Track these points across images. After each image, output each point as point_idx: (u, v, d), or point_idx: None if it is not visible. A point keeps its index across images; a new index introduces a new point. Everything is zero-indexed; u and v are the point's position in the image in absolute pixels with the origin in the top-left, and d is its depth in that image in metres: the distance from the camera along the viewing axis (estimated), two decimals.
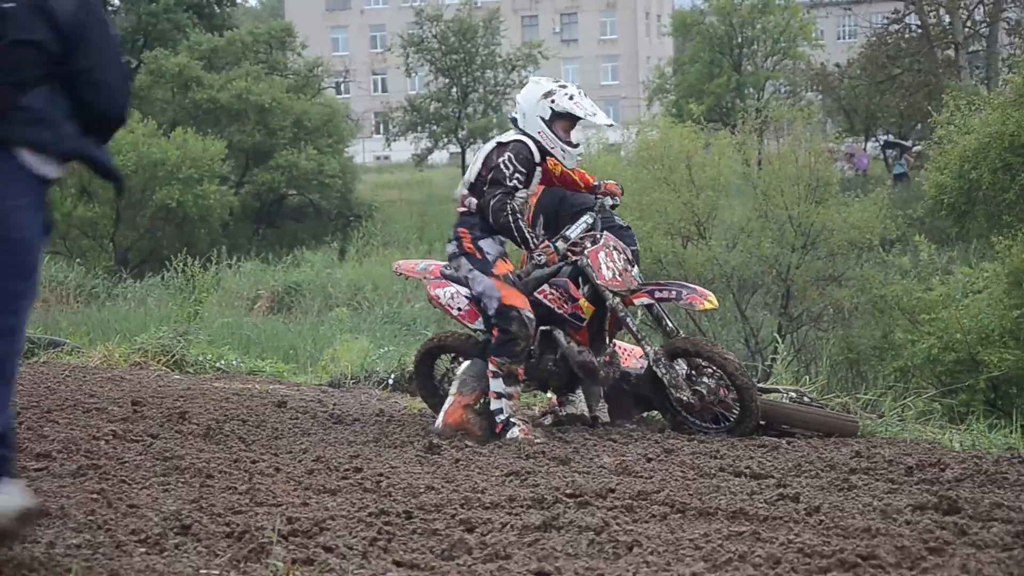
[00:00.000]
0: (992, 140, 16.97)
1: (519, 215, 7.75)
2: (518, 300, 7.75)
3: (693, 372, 7.81)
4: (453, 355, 8.46)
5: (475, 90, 57.37)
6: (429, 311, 25.15)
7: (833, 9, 51.23)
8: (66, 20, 4.76)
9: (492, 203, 7.70)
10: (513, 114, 8.05)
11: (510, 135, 7.95)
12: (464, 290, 8.06)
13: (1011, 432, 8.71)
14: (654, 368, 7.82)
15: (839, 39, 70.62)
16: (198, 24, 51.76)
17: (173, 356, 11.83)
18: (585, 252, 7.90)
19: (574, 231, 8.00)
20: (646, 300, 7.92)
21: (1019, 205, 17.11)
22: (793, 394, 8.38)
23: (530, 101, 7.90)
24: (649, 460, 6.82)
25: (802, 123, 24.66)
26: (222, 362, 12.01)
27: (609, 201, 8.18)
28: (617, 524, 5.20)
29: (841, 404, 8.79)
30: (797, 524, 5.21)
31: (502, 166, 7.77)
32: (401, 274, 8.74)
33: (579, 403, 8.42)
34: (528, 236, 7.76)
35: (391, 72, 71.41)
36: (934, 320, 17.11)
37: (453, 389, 7.96)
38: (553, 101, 7.85)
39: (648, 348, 7.86)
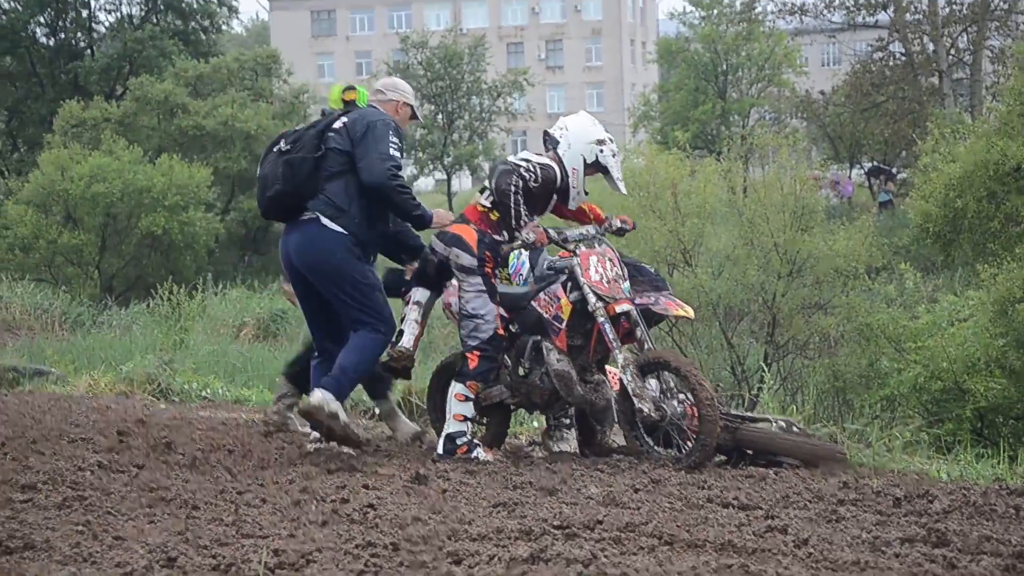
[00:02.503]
0: (977, 168, 17.00)
1: (520, 192, 7.87)
2: (501, 329, 7.98)
3: (664, 391, 7.73)
4: None
5: (461, 117, 57.46)
6: None
7: (817, 37, 51.40)
8: (355, 136, 8.00)
9: (502, 167, 7.99)
10: (555, 132, 8.11)
11: (537, 156, 8.10)
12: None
13: (998, 462, 8.73)
14: (621, 374, 7.74)
15: (823, 66, 70.94)
16: (184, 51, 51.76)
17: (159, 385, 11.81)
18: (578, 252, 7.92)
19: (573, 233, 8.04)
20: (626, 306, 7.85)
21: (1004, 233, 17.13)
22: (782, 423, 8.35)
23: (582, 138, 8.06)
24: (637, 491, 6.80)
25: (787, 150, 24.67)
26: (208, 391, 11.99)
27: (617, 223, 8.20)
28: (605, 556, 5.18)
29: (828, 434, 8.79)
30: (786, 556, 5.21)
31: (529, 168, 7.98)
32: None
33: (572, 440, 8.43)
34: (520, 211, 7.88)
35: None
36: (920, 348, 17.10)
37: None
38: (602, 151, 8.05)
39: (620, 355, 7.79)
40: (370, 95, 8.46)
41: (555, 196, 8.11)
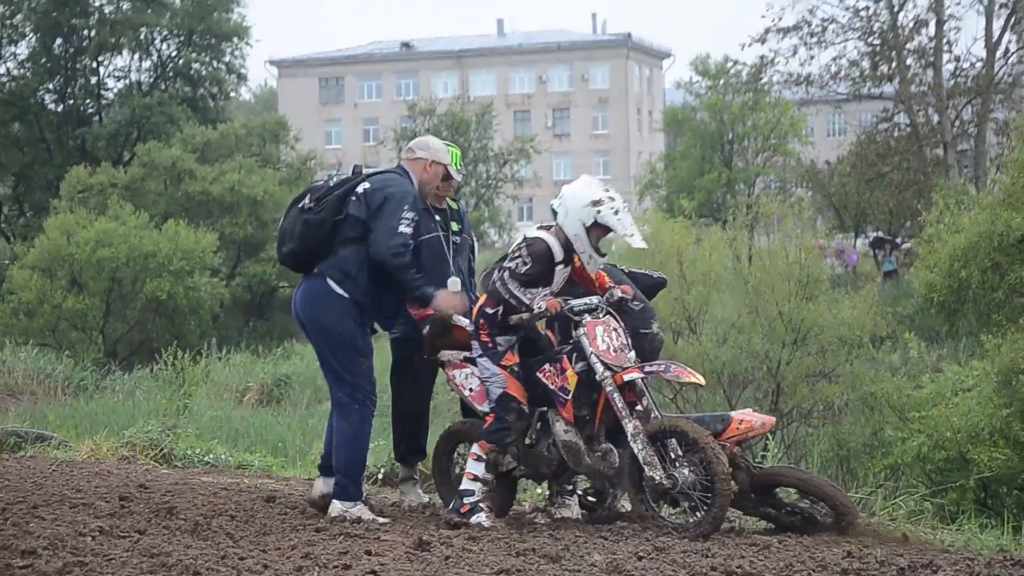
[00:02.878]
0: (981, 239, 17.03)
1: (507, 283, 7.94)
2: (518, 392, 8.02)
3: (673, 459, 7.69)
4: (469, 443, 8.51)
5: (467, 184, 57.73)
6: None
7: (823, 107, 51.60)
8: (372, 206, 8.12)
9: (484, 276, 8.14)
10: (554, 203, 8.16)
11: (536, 230, 8.18)
12: (478, 372, 8.28)
13: (1002, 533, 8.69)
14: (632, 443, 7.71)
15: (829, 136, 71.29)
16: (192, 117, 52.08)
17: (161, 450, 11.80)
18: (584, 322, 7.94)
19: (578, 302, 8.04)
20: (635, 374, 7.84)
21: (1008, 304, 17.13)
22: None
23: (576, 203, 8.02)
24: (640, 558, 6.77)
25: (792, 219, 24.77)
26: (211, 456, 11.97)
27: (618, 293, 8.20)
28: None
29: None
30: None
31: (515, 254, 8.03)
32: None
33: (574, 506, 8.42)
34: (520, 298, 7.93)
35: (384, 165, 71.71)
36: (924, 418, 17.06)
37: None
38: (599, 212, 7.98)
39: (630, 424, 7.78)
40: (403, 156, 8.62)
41: (562, 265, 8.11)
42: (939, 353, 20.81)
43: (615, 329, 7.98)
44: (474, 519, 7.94)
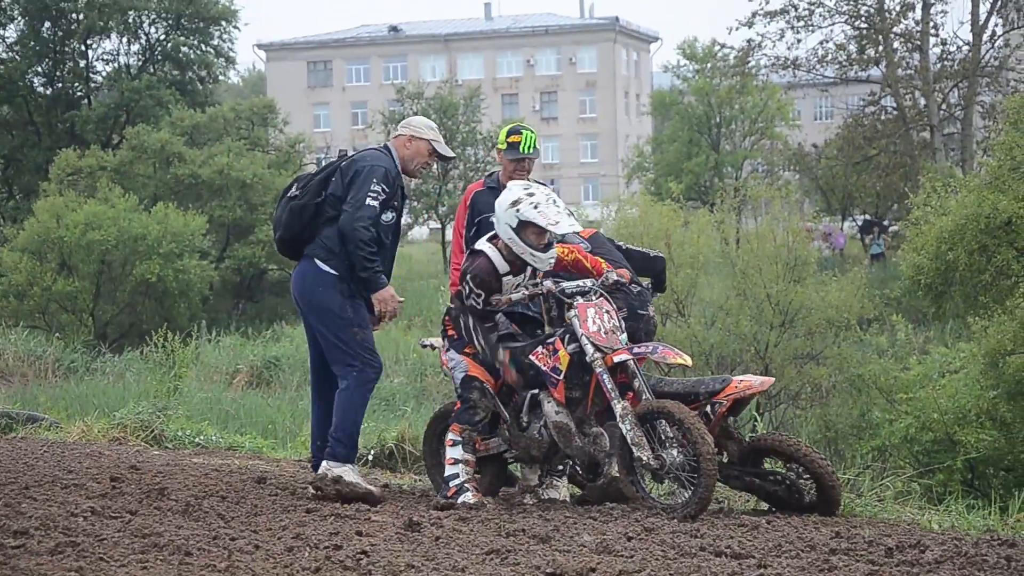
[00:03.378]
0: (968, 222, 17.07)
1: (464, 311, 8.17)
2: (480, 373, 8.19)
3: (663, 439, 7.70)
4: None
5: (455, 167, 57.65)
6: (408, 386, 25.11)
7: (810, 91, 51.64)
8: (345, 181, 8.26)
9: (456, 317, 8.28)
10: (492, 218, 8.26)
11: (483, 242, 8.27)
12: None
13: (989, 513, 8.71)
14: (620, 423, 7.74)
15: (816, 120, 71.39)
16: (180, 100, 51.94)
17: (152, 431, 11.78)
18: (575, 304, 7.95)
19: (570, 285, 8.06)
20: (624, 356, 7.86)
21: (995, 286, 17.18)
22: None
23: (501, 208, 8.12)
24: (630, 539, 6.78)
25: (780, 202, 24.81)
26: (201, 437, 11.96)
27: (613, 276, 8.19)
28: None
29: None
30: None
31: (464, 285, 8.17)
32: (427, 346, 9.09)
33: (562, 489, 8.44)
34: (478, 309, 8.11)
35: None
36: (911, 400, 17.12)
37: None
38: (519, 210, 8.03)
39: (618, 404, 7.79)
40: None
41: (511, 275, 8.16)
42: (926, 335, 20.88)
43: (607, 311, 7.98)
44: (460, 499, 8.00)
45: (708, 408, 7.94)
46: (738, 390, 7.91)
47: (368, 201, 8.16)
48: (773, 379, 8.55)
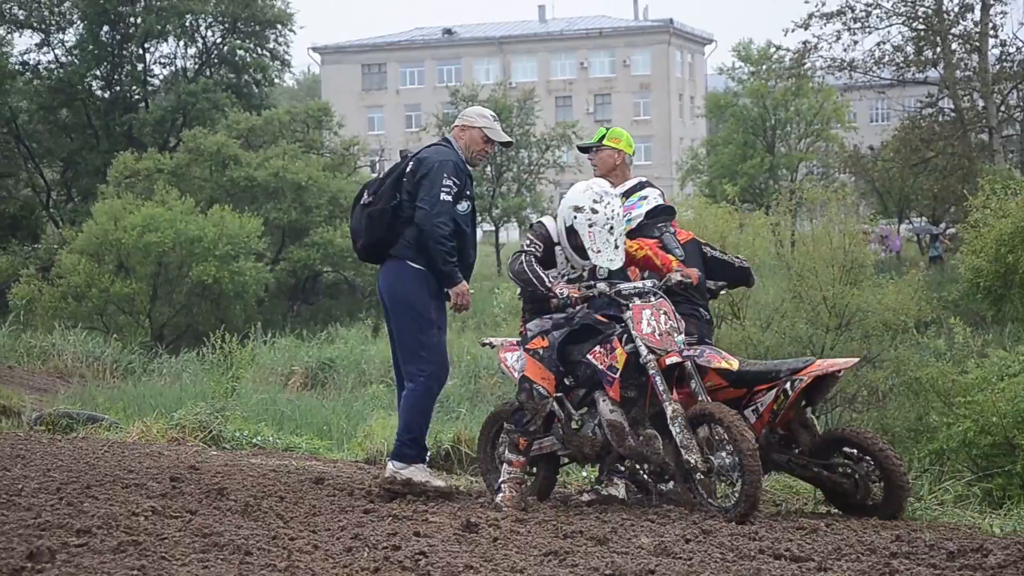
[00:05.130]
0: None
1: (532, 263, 8.13)
2: (535, 374, 8.12)
3: (715, 443, 7.68)
4: None
5: (509, 169, 57.69)
6: (462, 388, 25.13)
7: (867, 92, 51.28)
8: (417, 180, 8.33)
9: (512, 264, 8.26)
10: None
11: (544, 217, 8.51)
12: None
13: None
14: (670, 426, 7.73)
15: (872, 122, 70.89)
16: (236, 103, 52.29)
17: (210, 432, 11.86)
18: (631, 305, 7.94)
19: (627, 286, 8.04)
20: (675, 359, 7.86)
21: None
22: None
23: (566, 203, 8.22)
24: (688, 541, 6.76)
25: (836, 205, 24.64)
26: (258, 438, 12.03)
27: (676, 277, 8.16)
28: None
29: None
30: None
31: (525, 237, 8.40)
32: (486, 344, 9.24)
33: (621, 487, 8.42)
34: (542, 277, 8.09)
35: None
36: (970, 403, 16.93)
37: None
38: (576, 218, 8.13)
39: (669, 407, 7.78)
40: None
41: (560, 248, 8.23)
42: (985, 338, 20.62)
43: (664, 312, 7.95)
44: (497, 498, 8.10)
45: (788, 385, 7.92)
46: (820, 368, 7.91)
47: (442, 196, 8.26)
48: (857, 359, 8.56)
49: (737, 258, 9.27)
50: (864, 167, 48.50)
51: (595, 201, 8.09)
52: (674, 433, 7.68)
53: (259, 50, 56.85)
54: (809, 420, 8.14)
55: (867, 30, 43.82)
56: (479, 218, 56.39)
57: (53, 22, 54.98)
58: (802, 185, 38.13)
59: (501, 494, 8.12)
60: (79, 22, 55.14)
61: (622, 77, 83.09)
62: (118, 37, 55.31)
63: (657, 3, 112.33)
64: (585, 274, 8.25)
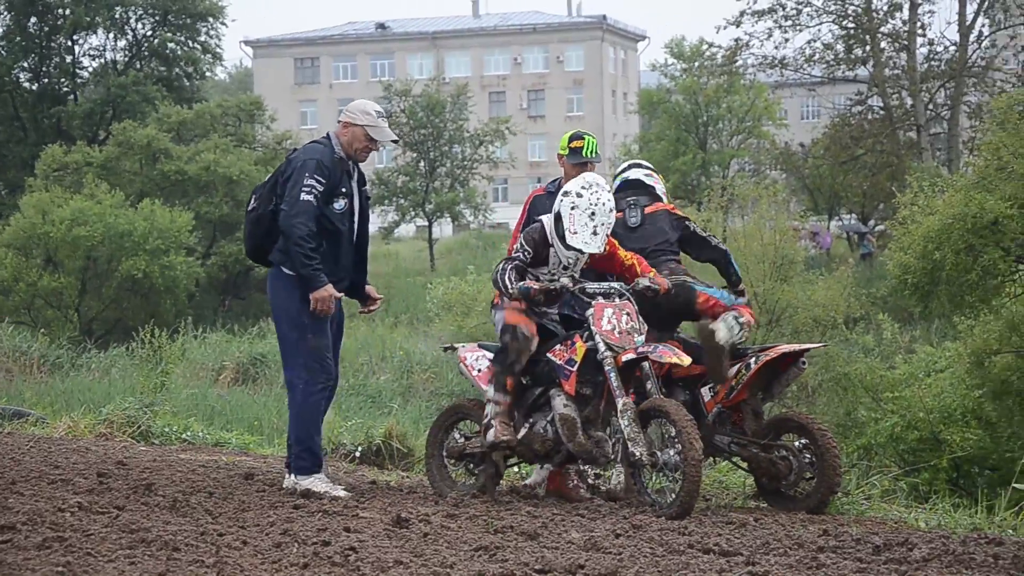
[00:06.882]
0: (955, 221, 17.10)
1: (505, 273, 8.10)
2: (519, 320, 8.12)
3: (664, 439, 7.72)
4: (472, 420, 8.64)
5: (443, 164, 57.63)
6: (395, 384, 25.12)
7: (797, 90, 51.71)
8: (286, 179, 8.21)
9: (493, 269, 8.32)
10: None
11: (546, 216, 8.35)
12: (489, 355, 8.46)
13: (976, 512, 8.73)
14: (620, 419, 7.76)
15: (803, 119, 71.47)
16: (167, 97, 51.87)
17: (139, 427, 11.77)
18: (594, 303, 7.99)
19: (592, 286, 8.08)
20: (631, 355, 7.90)
21: (981, 286, 17.21)
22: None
23: (562, 190, 8.19)
24: (618, 536, 6.79)
25: (767, 201, 24.84)
26: (188, 434, 11.94)
27: (644, 283, 8.17)
28: None
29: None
30: None
31: (519, 242, 8.28)
32: (448, 348, 9.35)
33: (617, 475, 8.29)
34: (507, 284, 8.08)
35: None
36: (897, 399, 17.15)
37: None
38: (561, 202, 8.16)
39: (620, 400, 7.80)
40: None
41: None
42: (912, 334, 20.92)
43: (627, 313, 7.99)
44: (489, 436, 8.15)
45: (753, 360, 8.11)
46: (788, 347, 8.16)
47: (302, 196, 8.07)
48: (823, 343, 8.72)
49: (714, 238, 9.31)
50: (795, 164, 48.93)
51: (582, 188, 8.13)
52: (622, 426, 7.72)
53: (190, 43, 56.42)
54: (759, 410, 8.23)
55: (798, 28, 44.22)
56: (412, 213, 56.67)
57: None
58: (734, 182, 38.43)
59: (493, 430, 8.12)
60: (5, 12, 54.47)
61: (556, 73, 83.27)
62: (46, 28, 54.68)
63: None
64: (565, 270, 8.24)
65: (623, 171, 9.26)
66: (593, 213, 8.05)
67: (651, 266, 8.36)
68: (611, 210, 8.12)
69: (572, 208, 8.06)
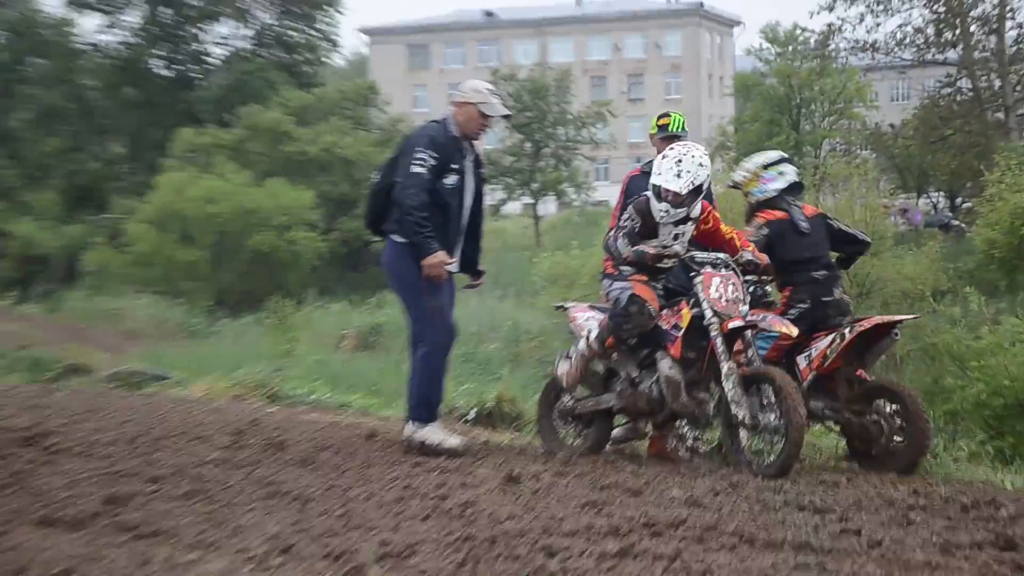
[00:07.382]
0: None
1: (617, 239, 8.09)
2: (650, 297, 8.08)
3: (765, 404, 7.68)
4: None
5: (547, 145, 57.57)
6: (504, 351, 25.20)
7: (888, 73, 50.90)
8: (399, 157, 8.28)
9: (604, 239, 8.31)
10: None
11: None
12: (598, 316, 8.43)
13: None
14: (724, 382, 7.72)
15: (893, 101, 70.18)
16: (289, 82, 52.34)
17: (269, 389, 11.96)
18: (702, 272, 7.98)
19: (703, 256, 8.07)
20: (738, 323, 7.85)
21: None
22: None
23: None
24: (717, 494, 6.81)
25: (858, 180, 24.52)
26: (314, 396, 12.12)
27: (747, 256, 8.16)
28: (689, 553, 5.21)
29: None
30: (860, 557, 5.20)
31: (627, 211, 8.18)
32: (560, 307, 9.24)
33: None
34: (620, 250, 8.07)
35: None
36: (983, 367, 16.88)
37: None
38: (656, 162, 8.06)
39: (725, 364, 7.77)
40: None
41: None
42: (998, 306, 20.49)
43: (732, 283, 7.97)
44: (560, 368, 8.36)
45: (847, 330, 8.10)
46: (881, 318, 8.10)
47: (413, 168, 8.12)
48: (917, 315, 8.64)
49: (862, 233, 9.24)
50: (885, 144, 48.13)
51: (671, 147, 8.06)
52: (726, 388, 7.71)
53: (309, 31, 56.84)
54: (854, 379, 8.18)
55: (889, 12, 43.47)
56: (519, 191, 56.69)
57: (118, 5, 55.06)
58: (826, 161, 37.91)
59: (568, 367, 8.28)
60: (144, 3, 55.25)
61: (654, 58, 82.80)
62: (178, 19, 55.41)
63: None
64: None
65: (775, 163, 8.98)
66: (680, 160, 7.94)
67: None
68: (701, 164, 7.97)
69: (663, 158, 8.03)
